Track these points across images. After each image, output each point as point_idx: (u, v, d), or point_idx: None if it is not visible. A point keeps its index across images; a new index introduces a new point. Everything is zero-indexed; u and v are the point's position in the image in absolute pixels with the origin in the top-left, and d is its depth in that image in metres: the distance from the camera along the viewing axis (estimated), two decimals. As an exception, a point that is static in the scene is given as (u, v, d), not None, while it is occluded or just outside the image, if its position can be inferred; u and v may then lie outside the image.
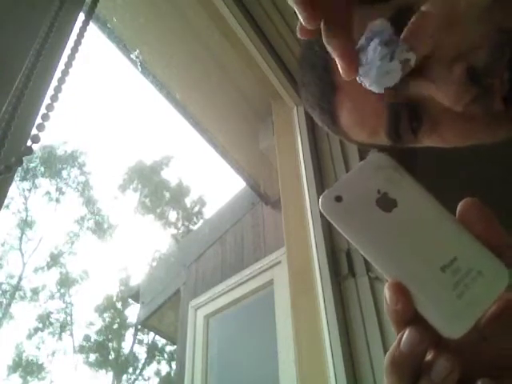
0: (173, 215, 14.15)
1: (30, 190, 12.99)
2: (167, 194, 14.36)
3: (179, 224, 13.90)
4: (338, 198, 0.28)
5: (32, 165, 12.22)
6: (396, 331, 0.27)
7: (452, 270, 0.26)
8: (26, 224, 12.89)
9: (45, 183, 13.38)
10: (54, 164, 13.18)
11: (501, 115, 0.39)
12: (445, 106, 0.39)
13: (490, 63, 0.37)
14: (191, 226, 13.51)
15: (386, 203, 0.28)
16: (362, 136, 0.48)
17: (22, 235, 12.73)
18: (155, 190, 14.22)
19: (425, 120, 0.43)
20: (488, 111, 0.39)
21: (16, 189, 12.17)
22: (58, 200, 13.48)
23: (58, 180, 13.48)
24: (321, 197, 0.29)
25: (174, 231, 13.75)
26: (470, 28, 0.38)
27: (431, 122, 0.43)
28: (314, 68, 0.48)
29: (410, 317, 0.26)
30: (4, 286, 12.32)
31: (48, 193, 13.29)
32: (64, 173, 13.58)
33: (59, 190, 13.47)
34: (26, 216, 12.95)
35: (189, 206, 14.21)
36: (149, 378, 12.52)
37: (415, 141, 0.45)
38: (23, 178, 12.22)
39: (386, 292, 0.27)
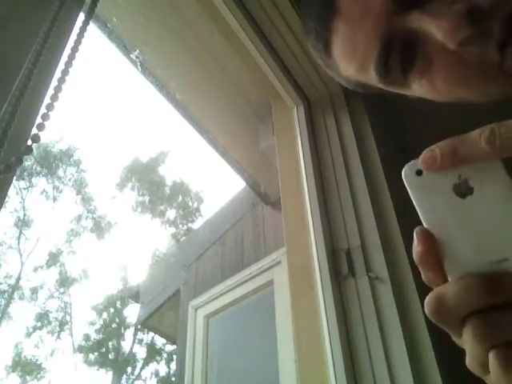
0: (171, 213, 14.12)
1: (26, 189, 12.96)
2: (165, 192, 14.32)
3: (178, 222, 13.87)
4: (419, 172, 0.29)
5: (28, 163, 12.19)
6: (422, 273, 0.29)
7: (497, 268, 0.27)
8: (23, 223, 12.85)
9: (41, 182, 13.34)
10: (50, 162, 13.13)
11: (494, 67, 0.39)
12: (439, 42, 0.39)
13: (493, 6, 0.37)
14: (190, 224, 13.49)
15: (462, 189, 0.28)
16: (351, 70, 0.48)
17: (19, 234, 12.70)
18: (153, 187, 14.17)
19: (417, 59, 0.42)
20: (482, 58, 0.39)
21: (12, 187, 12.12)
22: (55, 198, 13.44)
23: (55, 178, 13.44)
24: (406, 166, 0.30)
25: (174, 230, 13.73)
26: None
27: (423, 62, 0.42)
28: None
29: (434, 259, 0.28)
30: (2, 286, 12.30)
31: (45, 191, 13.26)
32: (60, 171, 13.53)
33: (56, 189, 13.43)
34: (24, 215, 12.92)
35: (187, 203, 14.18)
36: (147, 379, 12.51)
37: (404, 83, 0.45)
38: (19, 177, 12.18)
39: (414, 238, 0.29)
